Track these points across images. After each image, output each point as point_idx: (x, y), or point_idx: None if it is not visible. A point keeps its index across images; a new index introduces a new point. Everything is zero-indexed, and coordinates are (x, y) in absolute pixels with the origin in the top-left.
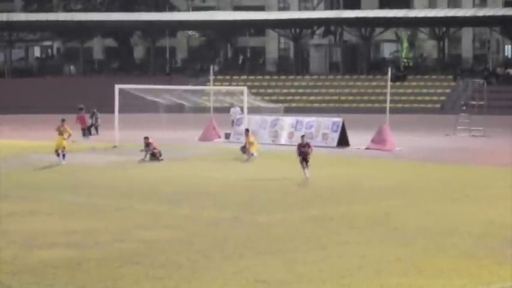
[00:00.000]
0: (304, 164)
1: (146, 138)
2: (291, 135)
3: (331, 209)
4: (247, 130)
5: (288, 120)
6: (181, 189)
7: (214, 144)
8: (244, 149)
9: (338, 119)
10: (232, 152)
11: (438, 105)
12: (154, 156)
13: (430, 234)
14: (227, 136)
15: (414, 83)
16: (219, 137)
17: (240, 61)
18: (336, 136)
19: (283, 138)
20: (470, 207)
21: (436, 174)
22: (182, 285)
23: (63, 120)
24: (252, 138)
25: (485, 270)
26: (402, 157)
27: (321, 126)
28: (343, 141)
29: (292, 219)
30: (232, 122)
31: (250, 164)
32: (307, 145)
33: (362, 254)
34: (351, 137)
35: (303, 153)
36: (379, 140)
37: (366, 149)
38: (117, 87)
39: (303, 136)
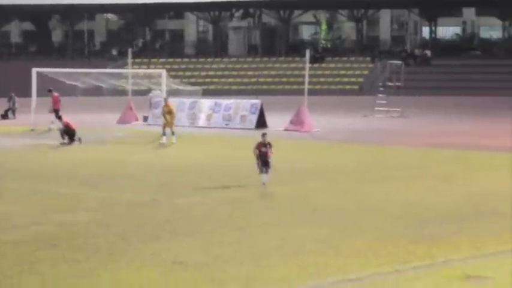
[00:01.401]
0: (264, 168)
1: (57, 114)
2: (209, 118)
3: (250, 190)
4: (165, 99)
5: (207, 103)
6: (99, 172)
7: (132, 127)
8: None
9: (256, 101)
10: (151, 135)
11: (356, 87)
12: (69, 134)
13: (348, 215)
14: (145, 119)
15: (332, 65)
16: (137, 119)
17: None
18: (254, 118)
19: (202, 121)
20: (388, 188)
21: (354, 155)
22: (99, 268)
23: None
24: (171, 107)
25: (402, 250)
26: (320, 138)
27: (240, 108)
28: (261, 123)
29: (210, 201)
30: (150, 105)
31: (168, 147)
32: (269, 145)
33: (280, 235)
34: (270, 118)
35: (264, 155)
36: (297, 122)
37: (284, 130)
38: (34, 70)
39: (264, 134)
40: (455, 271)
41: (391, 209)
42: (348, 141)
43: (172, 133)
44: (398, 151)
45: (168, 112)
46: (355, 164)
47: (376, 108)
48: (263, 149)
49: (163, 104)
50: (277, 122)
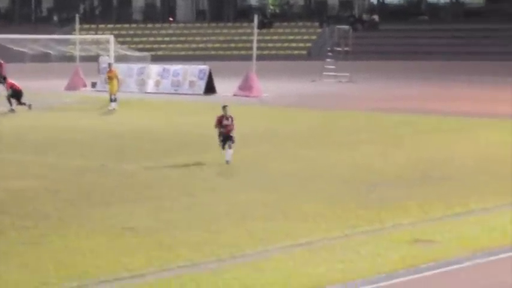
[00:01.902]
0: (227, 143)
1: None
2: (157, 84)
3: (199, 156)
4: (109, 64)
5: (155, 69)
6: (47, 139)
7: (80, 93)
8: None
9: (205, 67)
10: (99, 101)
11: (305, 52)
12: (15, 97)
13: (296, 180)
14: (93, 85)
15: (281, 30)
16: (86, 85)
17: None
18: (202, 83)
19: (150, 87)
20: (336, 152)
21: (302, 119)
22: (49, 234)
23: None
24: (115, 73)
25: (351, 214)
26: (269, 103)
27: (188, 74)
28: (210, 89)
29: (159, 167)
30: (99, 71)
31: (117, 113)
32: (231, 118)
33: (229, 201)
34: (218, 84)
35: (225, 129)
36: (245, 87)
37: (233, 96)
38: None
39: (225, 106)
40: (404, 235)
41: (339, 174)
42: (296, 106)
43: (114, 99)
44: (346, 116)
45: (110, 78)
46: (303, 129)
47: (325, 73)
48: (225, 122)
49: (107, 70)
50: (225, 87)
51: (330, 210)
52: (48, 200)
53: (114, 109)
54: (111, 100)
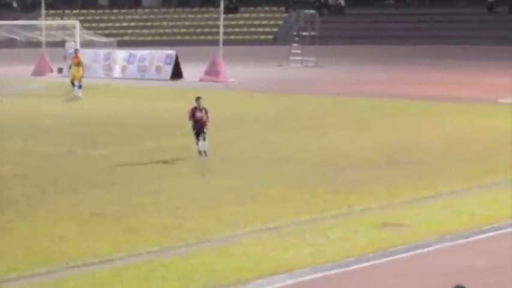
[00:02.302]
0: (200, 136)
1: None
2: (124, 69)
3: (166, 141)
4: (76, 50)
5: (121, 54)
6: (15, 124)
7: (47, 78)
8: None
9: (171, 52)
10: (66, 87)
11: (271, 37)
12: None
13: (264, 164)
14: (60, 71)
15: (247, 15)
16: (52, 71)
17: None
18: (169, 69)
19: (117, 72)
20: (303, 137)
21: (269, 104)
22: (17, 220)
23: None
24: (80, 59)
25: (319, 198)
26: (235, 88)
27: (155, 59)
28: (176, 74)
29: (127, 152)
30: (65, 56)
31: (84, 98)
32: (204, 110)
33: (197, 185)
34: (185, 69)
35: (199, 121)
36: (212, 72)
37: (200, 81)
38: None
39: (198, 98)
40: (372, 219)
41: (307, 158)
42: (263, 91)
43: (79, 86)
44: (313, 100)
45: (76, 64)
46: (270, 114)
47: (291, 58)
48: (198, 114)
49: (72, 56)
50: (192, 72)
51: (298, 195)
52: (16, 186)
53: (78, 96)
54: (73, 85)
